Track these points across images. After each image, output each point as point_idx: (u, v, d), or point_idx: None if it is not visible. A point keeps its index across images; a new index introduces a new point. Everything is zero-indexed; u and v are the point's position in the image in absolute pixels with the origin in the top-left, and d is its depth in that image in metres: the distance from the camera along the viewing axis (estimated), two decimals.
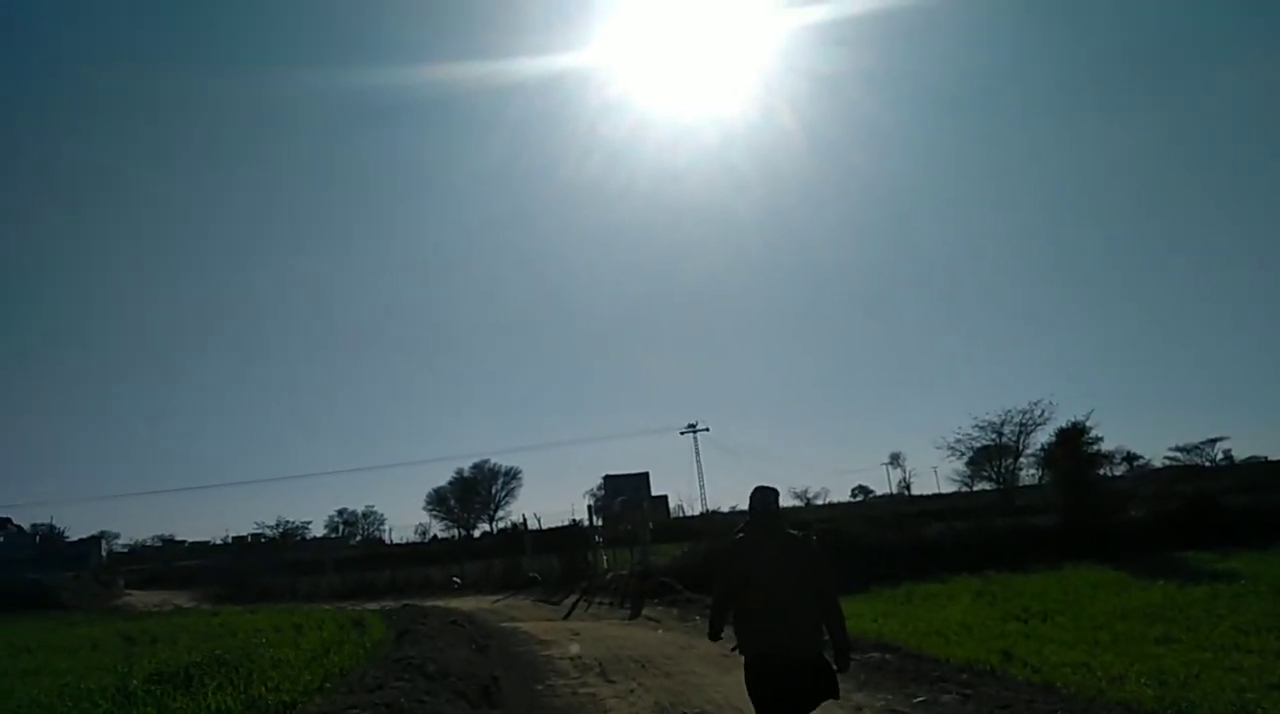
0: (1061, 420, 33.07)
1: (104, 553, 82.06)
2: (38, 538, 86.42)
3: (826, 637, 4.92)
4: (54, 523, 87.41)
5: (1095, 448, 28.88)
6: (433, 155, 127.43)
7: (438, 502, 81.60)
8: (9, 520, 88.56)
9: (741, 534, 5.23)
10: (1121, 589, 15.20)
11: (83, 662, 11.94)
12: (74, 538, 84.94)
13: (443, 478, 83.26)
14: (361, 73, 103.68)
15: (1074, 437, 28.68)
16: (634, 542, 27.60)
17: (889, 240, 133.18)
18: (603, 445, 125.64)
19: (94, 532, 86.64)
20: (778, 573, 4.93)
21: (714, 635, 5.30)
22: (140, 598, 38.09)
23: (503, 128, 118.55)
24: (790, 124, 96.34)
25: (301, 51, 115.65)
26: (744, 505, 5.39)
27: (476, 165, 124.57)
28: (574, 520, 33.60)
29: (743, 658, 4.97)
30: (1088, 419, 28.89)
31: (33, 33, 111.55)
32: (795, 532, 5.19)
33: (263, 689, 8.16)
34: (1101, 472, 31.17)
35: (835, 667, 4.89)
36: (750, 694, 4.96)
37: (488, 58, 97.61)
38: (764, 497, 5.21)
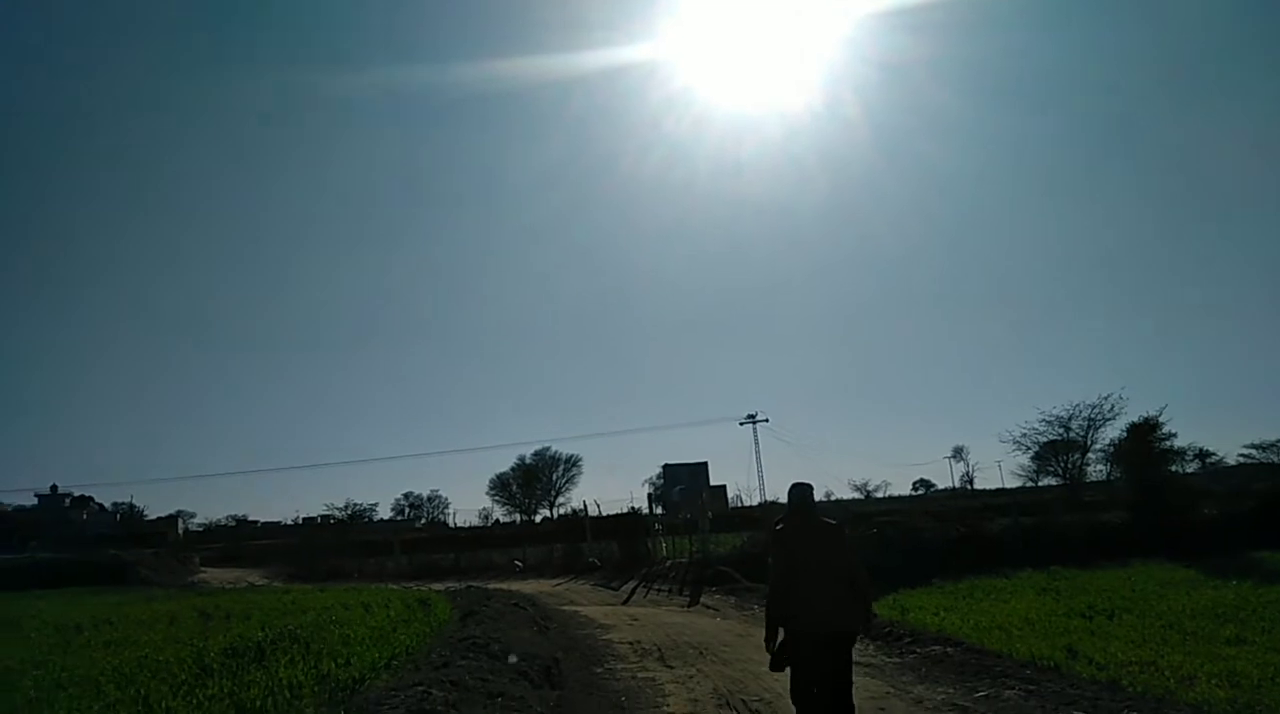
0: (1132, 416, 32.26)
1: (180, 531, 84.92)
2: (118, 516, 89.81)
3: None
4: (133, 502, 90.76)
5: (1168, 444, 28.13)
6: (494, 150, 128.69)
7: (500, 487, 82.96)
8: (91, 499, 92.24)
9: (781, 525, 5.97)
10: (1192, 588, 14.81)
11: (161, 634, 12.37)
12: (152, 516, 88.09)
13: (505, 464, 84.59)
14: (424, 70, 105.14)
15: (1146, 432, 27.94)
16: (693, 530, 27.69)
17: (956, 232, 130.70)
18: (662, 435, 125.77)
19: (171, 511, 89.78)
20: (818, 557, 5.65)
21: (770, 640, 5.79)
22: (215, 575, 39.32)
23: (564, 123, 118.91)
24: (856, 114, 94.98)
25: (364, 49, 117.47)
26: None
27: (538, 159, 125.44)
28: (633, 508, 33.80)
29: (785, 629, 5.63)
30: (1160, 415, 28.14)
31: (94, 35, 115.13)
32: (829, 520, 5.94)
33: (333, 665, 8.41)
34: (1173, 468, 30.25)
35: (860, 631, 5.71)
36: (792, 665, 5.65)
37: (549, 53, 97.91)
38: (800, 491, 5.98)
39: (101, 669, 8.99)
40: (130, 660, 9.53)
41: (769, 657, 5.85)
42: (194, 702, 6.85)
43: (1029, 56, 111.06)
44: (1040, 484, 54.22)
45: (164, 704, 6.79)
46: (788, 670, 5.75)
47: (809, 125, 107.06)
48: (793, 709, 5.83)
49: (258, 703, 6.55)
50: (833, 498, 79.76)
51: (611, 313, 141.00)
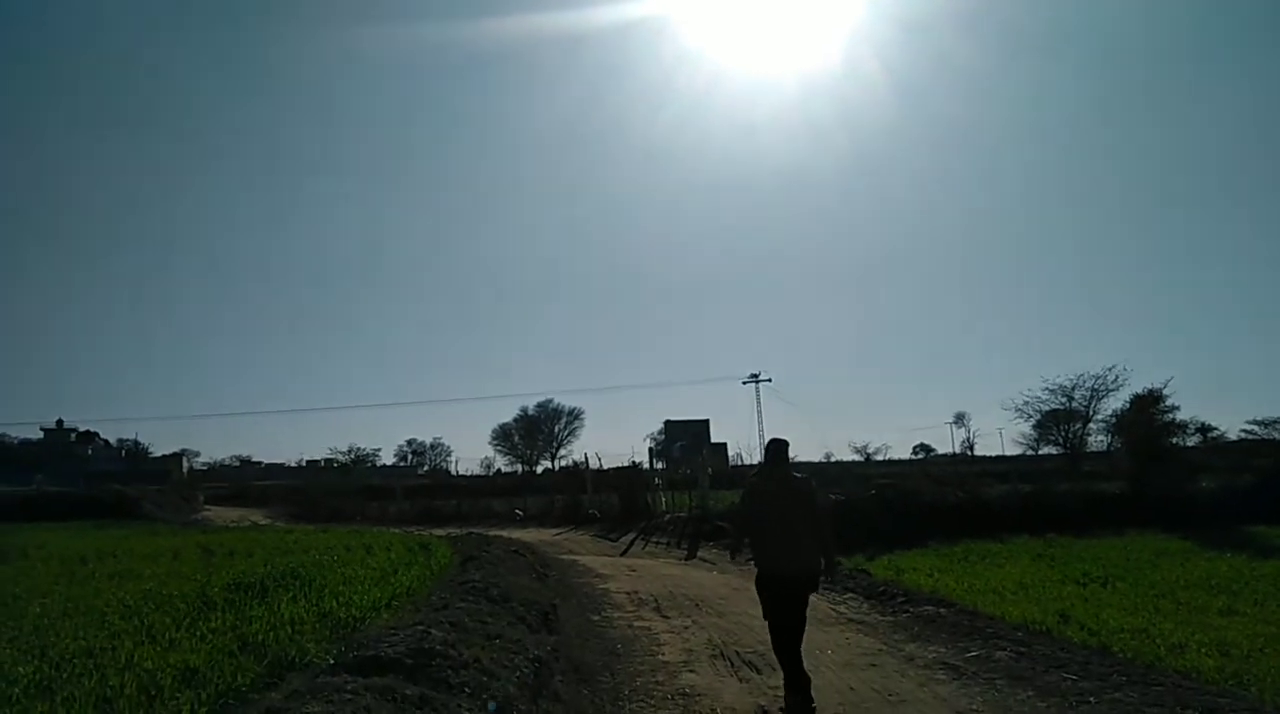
0: (1136, 387, 32.34)
1: (184, 469, 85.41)
2: (123, 452, 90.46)
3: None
4: (138, 439, 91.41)
5: (1170, 416, 28.20)
6: (505, 107, 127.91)
7: (503, 437, 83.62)
8: (96, 434, 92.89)
9: (757, 475, 6.70)
10: (1187, 559, 14.94)
11: (165, 569, 12.46)
12: (157, 454, 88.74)
13: (508, 414, 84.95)
14: (430, 27, 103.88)
15: (1149, 404, 28.01)
16: (692, 486, 27.88)
17: (971, 194, 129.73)
18: (665, 391, 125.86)
19: (176, 449, 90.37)
20: (787, 505, 6.26)
21: (734, 554, 7.57)
22: (219, 513, 39.65)
23: (573, 81, 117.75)
24: (876, 73, 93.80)
25: (373, 5, 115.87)
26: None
27: (547, 116, 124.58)
28: (634, 462, 33.99)
29: (756, 570, 6.38)
30: (1165, 387, 28.18)
31: None
32: (798, 474, 6.51)
33: (334, 603, 8.50)
34: (1174, 441, 30.32)
35: (824, 575, 6.40)
36: (760, 597, 6.35)
37: (558, 8, 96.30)
38: (777, 446, 6.63)
39: (106, 600, 9.08)
40: (135, 592, 9.61)
41: (763, 610, 6.19)
42: (197, 633, 6.95)
43: (1055, 9, 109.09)
44: (1040, 452, 54.53)
45: (168, 635, 6.88)
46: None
47: (827, 84, 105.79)
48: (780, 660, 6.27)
49: (260, 637, 6.64)
50: (833, 459, 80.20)
51: (618, 269, 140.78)
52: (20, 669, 5.63)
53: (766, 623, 6.34)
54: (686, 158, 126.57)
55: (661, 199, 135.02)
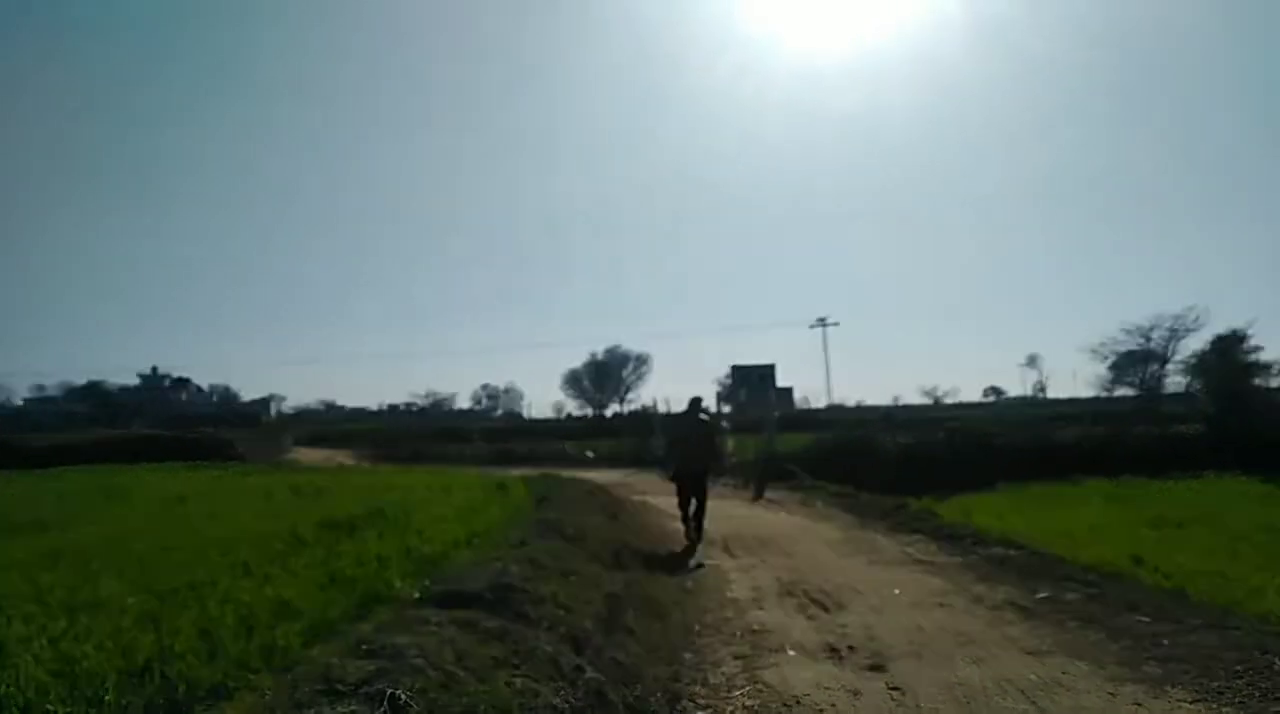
0: (1217, 328, 31.29)
1: (273, 413, 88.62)
2: (215, 397, 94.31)
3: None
4: (229, 384, 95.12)
5: (1254, 357, 27.31)
6: (562, 45, 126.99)
7: (573, 382, 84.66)
8: (189, 380, 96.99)
9: (675, 416, 12.77)
10: (1269, 502, 14.58)
11: (258, 507, 12.94)
12: (246, 398, 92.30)
13: (578, 360, 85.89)
14: None
15: (1232, 344, 27.15)
16: (759, 429, 27.92)
17: (1045, 130, 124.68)
18: (731, 337, 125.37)
19: (264, 394, 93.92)
20: (692, 434, 11.38)
21: (665, 469, 11.96)
22: (306, 454, 40.63)
23: (629, 19, 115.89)
24: (953, 7, 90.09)
25: None
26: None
27: (603, 57, 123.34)
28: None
29: (674, 473, 11.56)
30: (1249, 327, 27.23)
31: None
32: (704, 416, 11.87)
33: (417, 540, 8.81)
34: (1257, 382, 29.29)
35: (710, 472, 11.82)
36: (678, 485, 11.50)
37: None
38: (693, 399, 11.92)
39: (204, 537, 9.51)
40: (230, 529, 10.05)
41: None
42: (290, 569, 7.28)
43: None
44: (1115, 395, 53.10)
45: (263, 571, 7.20)
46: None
47: (901, 20, 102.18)
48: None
49: (348, 572, 6.93)
50: (900, 402, 79.26)
51: (683, 213, 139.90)
52: (129, 600, 5.99)
53: (678, 500, 11.62)
54: (749, 101, 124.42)
55: (721, 144, 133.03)
